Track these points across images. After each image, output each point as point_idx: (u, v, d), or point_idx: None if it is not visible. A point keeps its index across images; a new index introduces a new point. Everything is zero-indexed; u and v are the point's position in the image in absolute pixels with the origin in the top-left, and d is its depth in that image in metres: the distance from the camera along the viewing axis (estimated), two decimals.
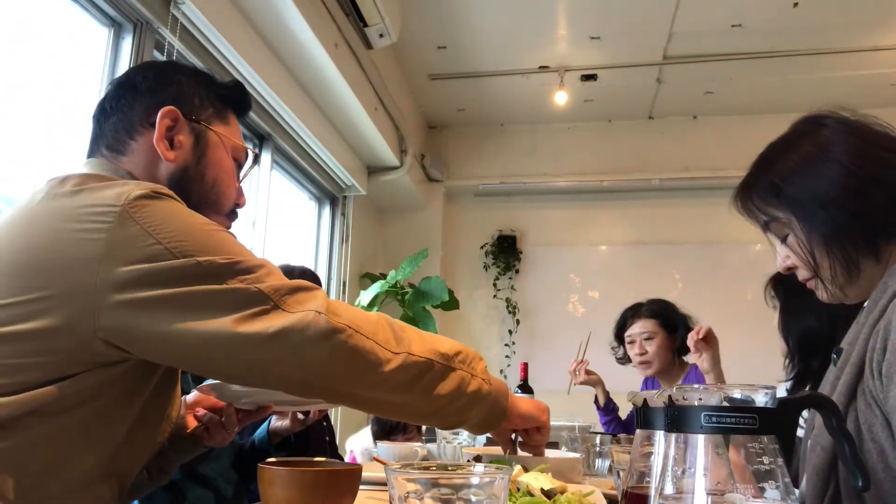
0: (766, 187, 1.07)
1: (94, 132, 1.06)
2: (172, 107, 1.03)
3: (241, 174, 1.15)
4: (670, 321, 2.79)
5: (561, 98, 4.57)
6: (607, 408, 3.00)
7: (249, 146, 1.16)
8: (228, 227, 1.10)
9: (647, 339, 2.78)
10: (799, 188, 1.03)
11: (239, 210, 1.14)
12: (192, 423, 1.20)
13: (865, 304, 1.02)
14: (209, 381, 1.17)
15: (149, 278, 0.81)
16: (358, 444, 2.79)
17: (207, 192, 1.06)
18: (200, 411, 1.20)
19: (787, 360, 1.78)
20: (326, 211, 4.57)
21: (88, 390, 0.83)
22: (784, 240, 1.08)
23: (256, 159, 1.18)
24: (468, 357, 1.00)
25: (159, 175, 1.02)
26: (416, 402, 0.93)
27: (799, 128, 1.10)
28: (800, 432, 1.14)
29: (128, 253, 0.81)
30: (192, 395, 1.24)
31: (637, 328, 2.82)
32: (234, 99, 1.14)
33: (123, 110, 1.04)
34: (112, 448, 0.89)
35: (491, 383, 1.02)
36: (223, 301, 0.82)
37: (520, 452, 1.20)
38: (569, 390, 3.06)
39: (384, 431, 2.55)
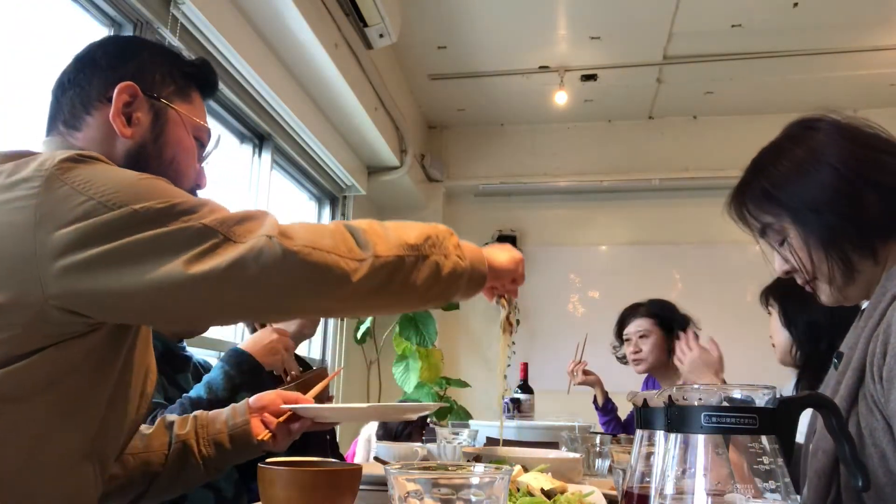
0: (759, 194, 1.07)
1: (52, 108, 1.03)
2: (131, 82, 1.00)
3: (203, 155, 1.12)
4: (666, 321, 2.79)
5: (561, 98, 4.56)
6: (606, 408, 3.01)
7: (212, 126, 1.14)
8: None
9: (641, 336, 2.80)
10: (792, 194, 1.03)
11: (199, 192, 1.12)
12: (257, 427, 1.20)
13: (864, 307, 1.02)
14: (299, 405, 1.20)
15: (87, 237, 0.78)
16: (367, 430, 2.79)
17: (165, 171, 1.02)
18: (268, 417, 1.21)
19: (794, 349, 1.84)
20: (326, 211, 4.57)
21: (58, 370, 0.82)
22: (781, 244, 1.08)
23: (219, 140, 1.15)
24: (438, 238, 0.97)
25: (115, 152, 1.00)
26: (394, 300, 0.93)
27: (791, 132, 1.10)
28: (799, 438, 1.15)
29: (60, 215, 0.78)
30: (256, 399, 1.24)
31: (633, 326, 2.84)
32: (200, 77, 1.11)
33: (81, 84, 1.01)
34: (91, 428, 0.88)
35: (465, 256, 1.00)
36: (168, 244, 0.79)
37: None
38: (568, 390, 3.06)
39: (389, 437, 2.56)
